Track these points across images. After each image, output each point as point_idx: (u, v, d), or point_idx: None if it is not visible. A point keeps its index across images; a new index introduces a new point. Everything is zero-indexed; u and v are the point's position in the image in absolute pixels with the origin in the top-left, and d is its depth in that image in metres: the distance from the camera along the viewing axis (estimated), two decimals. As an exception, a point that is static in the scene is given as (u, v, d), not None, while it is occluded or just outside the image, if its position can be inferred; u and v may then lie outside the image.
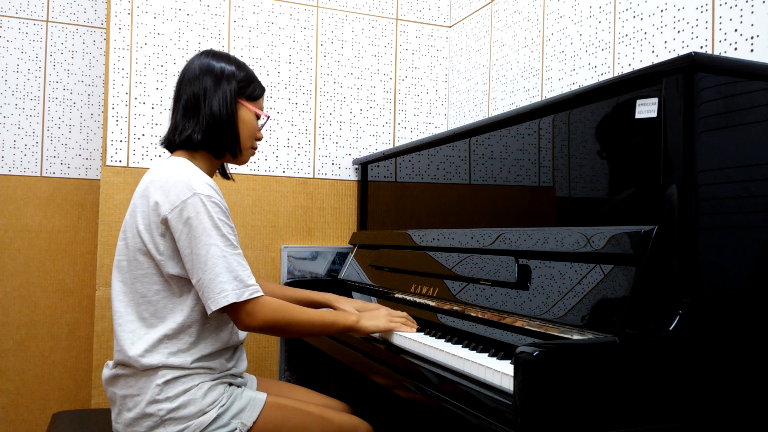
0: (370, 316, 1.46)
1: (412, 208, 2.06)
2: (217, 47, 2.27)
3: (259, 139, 1.50)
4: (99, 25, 2.74)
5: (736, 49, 1.40)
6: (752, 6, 1.37)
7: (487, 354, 1.19)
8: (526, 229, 1.38)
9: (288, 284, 2.23)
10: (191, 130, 1.39)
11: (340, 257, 2.38)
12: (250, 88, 1.45)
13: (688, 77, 1.04)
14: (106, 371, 1.37)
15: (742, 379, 1.03)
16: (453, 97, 2.57)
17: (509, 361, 1.11)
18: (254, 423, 1.33)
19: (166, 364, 1.29)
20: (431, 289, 1.63)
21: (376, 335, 1.50)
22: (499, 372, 1.04)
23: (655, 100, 1.09)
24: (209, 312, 1.27)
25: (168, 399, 1.28)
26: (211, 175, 1.45)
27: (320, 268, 2.36)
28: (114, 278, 1.37)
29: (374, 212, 2.34)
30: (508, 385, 1.00)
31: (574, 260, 1.20)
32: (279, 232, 2.34)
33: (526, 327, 1.22)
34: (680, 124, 1.05)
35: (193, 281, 1.29)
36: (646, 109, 1.11)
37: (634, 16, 1.69)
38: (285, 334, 1.48)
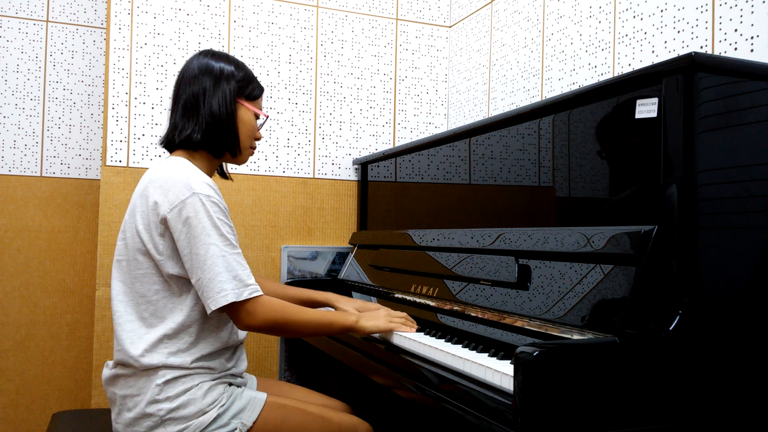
0: (370, 316, 1.46)
1: (412, 208, 2.06)
2: (217, 47, 2.27)
3: (258, 138, 1.50)
4: (99, 25, 2.74)
5: (736, 49, 1.40)
6: (752, 6, 1.37)
7: (487, 354, 1.19)
8: (526, 229, 1.38)
9: (288, 284, 2.23)
10: (191, 130, 1.39)
11: (340, 257, 2.38)
12: (249, 87, 1.46)
13: (688, 77, 1.04)
14: (106, 371, 1.37)
15: (742, 379, 1.03)
16: (453, 97, 2.57)
17: (509, 361, 1.11)
18: (254, 423, 1.33)
19: (166, 364, 1.29)
20: (431, 289, 1.63)
21: (376, 335, 1.50)
22: (499, 372, 1.04)
23: (655, 100, 1.09)
24: (209, 311, 1.27)
25: (168, 399, 1.28)
26: (210, 174, 1.45)
27: (320, 268, 2.36)
28: (113, 278, 1.37)
29: (374, 212, 2.34)
30: (508, 385, 1.00)
31: (574, 260, 1.20)
32: (279, 232, 2.34)
33: (526, 327, 1.22)
34: (680, 124, 1.05)
35: (193, 281, 1.29)
36: (646, 109, 1.11)
37: (634, 16, 1.69)
38: (284, 333, 1.48)
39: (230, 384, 1.38)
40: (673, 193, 1.05)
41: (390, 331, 1.45)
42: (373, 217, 2.34)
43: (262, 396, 1.37)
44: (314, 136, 2.42)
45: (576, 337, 1.09)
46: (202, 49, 1.79)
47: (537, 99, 2.06)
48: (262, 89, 1.49)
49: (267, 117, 1.52)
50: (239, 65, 1.46)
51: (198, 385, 1.30)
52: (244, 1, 2.32)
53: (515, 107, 2.02)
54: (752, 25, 1.37)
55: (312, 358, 2.36)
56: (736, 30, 1.41)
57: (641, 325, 1.01)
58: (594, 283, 1.13)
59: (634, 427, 0.94)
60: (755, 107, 1.09)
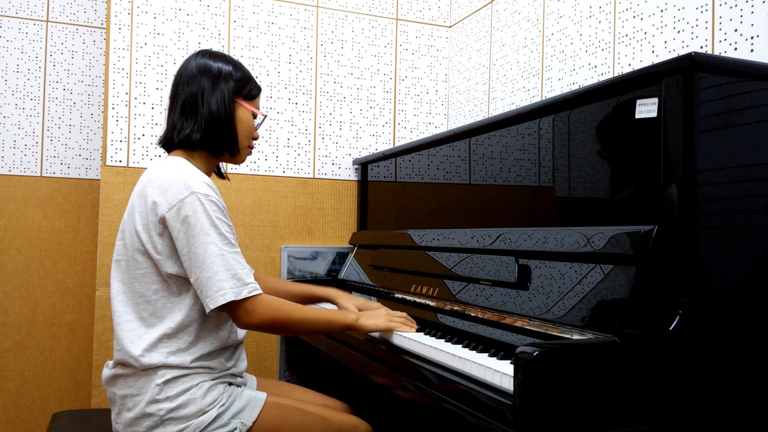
0: (370, 315, 1.46)
1: (412, 208, 2.06)
2: (217, 47, 2.27)
3: (256, 138, 1.50)
4: (99, 25, 2.74)
5: (736, 49, 1.40)
6: (752, 6, 1.37)
7: (487, 354, 1.19)
8: (526, 229, 1.38)
9: (288, 284, 2.23)
10: (190, 130, 1.39)
11: (340, 257, 2.38)
12: (247, 87, 1.46)
13: (688, 77, 1.04)
14: (106, 371, 1.37)
15: (742, 379, 1.03)
16: (453, 97, 2.57)
17: (509, 361, 1.11)
18: (254, 423, 1.33)
19: (166, 364, 1.29)
20: (431, 289, 1.63)
21: (376, 335, 1.50)
22: (499, 372, 1.04)
23: (655, 100, 1.09)
24: (208, 310, 1.27)
25: (168, 399, 1.28)
26: (208, 174, 1.45)
27: (320, 268, 2.36)
28: (113, 278, 1.37)
29: (374, 212, 2.34)
30: (508, 385, 1.00)
31: (574, 260, 1.20)
32: (279, 232, 2.34)
33: (526, 327, 1.22)
34: (680, 124, 1.04)
35: (192, 280, 1.29)
36: (646, 109, 1.11)
37: (634, 16, 1.69)
38: (284, 332, 1.48)
39: (230, 384, 1.38)
40: (673, 193, 1.05)
41: (390, 331, 1.45)
42: (373, 217, 2.34)
43: (262, 396, 1.37)
44: (314, 136, 2.42)
45: (576, 337, 1.09)
46: (199, 49, 1.79)
47: (537, 99, 2.06)
48: (259, 89, 1.50)
49: (265, 116, 1.52)
50: (237, 65, 1.46)
51: (198, 384, 1.30)
52: (244, 1, 2.32)
53: (515, 107, 2.02)
54: (752, 25, 1.37)
55: (312, 358, 2.36)
56: (736, 30, 1.41)
57: (641, 325, 1.01)
58: (594, 283, 1.13)
59: (634, 427, 0.94)
60: (755, 107, 1.09)
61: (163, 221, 1.29)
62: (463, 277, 1.53)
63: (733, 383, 1.02)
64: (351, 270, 2.18)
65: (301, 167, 2.39)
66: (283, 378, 2.32)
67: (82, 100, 2.72)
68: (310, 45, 2.42)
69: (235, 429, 1.31)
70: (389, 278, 1.90)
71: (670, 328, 0.98)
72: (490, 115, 2.31)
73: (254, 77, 1.51)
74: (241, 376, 1.46)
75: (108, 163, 2.13)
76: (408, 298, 1.71)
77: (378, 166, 2.30)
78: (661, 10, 1.61)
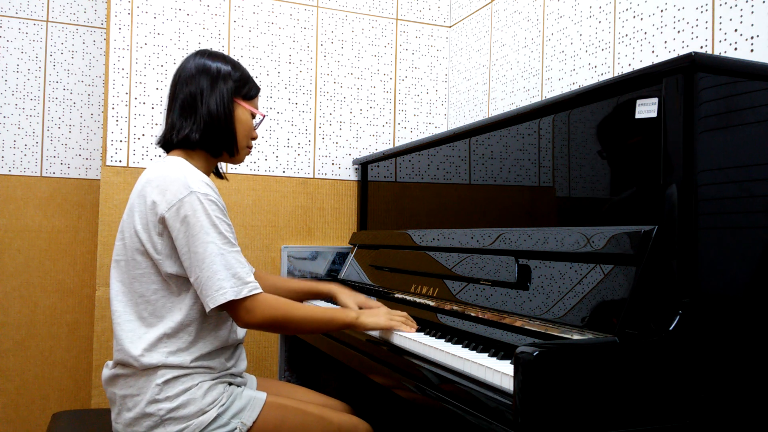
0: (370, 313, 1.46)
1: (412, 208, 2.06)
2: (217, 47, 2.27)
3: (255, 138, 1.50)
4: (99, 25, 2.74)
5: (736, 49, 1.40)
6: (752, 6, 1.37)
7: (487, 354, 1.19)
8: (526, 229, 1.38)
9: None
10: (189, 130, 1.39)
11: (340, 257, 2.38)
12: (246, 87, 1.46)
13: (688, 77, 1.04)
14: (106, 371, 1.37)
15: (742, 379, 1.03)
16: (453, 97, 2.57)
17: (509, 361, 1.11)
18: (254, 423, 1.33)
19: (166, 364, 1.29)
20: (431, 289, 1.63)
21: (376, 335, 1.50)
22: (499, 372, 1.04)
23: (655, 100, 1.09)
24: (207, 310, 1.27)
25: (168, 399, 1.28)
26: (207, 174, 1.45)
27: (320, 268, 2.36)
28: (112, 278, 1.37)
29: (374, 212, 2.34)
30: (508, 385, 1.00)
31: (574, 260, 1.20)
32: (279, 232, 2.34)
33: (526, 327, 1.22)
34: (680, 124, 1.04)
35: (192, 279, 1.29)
36: (646, 109, 1.11)
37: (634, 16, 1.69)
38: (284, 330, 1.48)
39: (230, 384, 1.38)
40: (673, 193, 1.05)
41: (390, 330, 1.45)
42: (373, 217, 2.34)
43: (262, 396, 1.37)
44: (314, 136, 2.42)
45: (576, 337, 1.09)
46: (198, 49, 1.79)
47: (537, 99, 2.06)
48: (258, 89, 1.50)
49: (264, 116, 1.53)
50: (235, 65, 1.46)
51: (198, 384, 1.30)
52: (244, 1, 2.32)
53: (515, 107, 2.02)
54: (752, 25, 1.37)
55: (312, 358, 2.36)
56: (736, 30, 1.41)
57: (641, 325, 1.01)
58: (594, 283, 1.13)
59: (634, 427, 0.94)
60: (755, 107, 1.09)
61: (162, 221, 1.29)
62: (463, 277, 1.53)
63: (733, 383, 1.02)
64: (351, 270, 2.18)
65: (301, 167, 2.39)
66: (283, 378, 2.32)
67: (82, 100, 2.72)
68: (310, 45, 2.41)
69: (235, 429, 1.31)
70: (389, 278, 1.90)
71: (670, 328, 0.98)
72: (490, 115, 2.31)
73: (253, 77, 1.51)
74: (241, 376, 1.46)
75: (108, 163, 2.13)
76: (408, 298, 1.71)
77: (378, 166, 2.30)
78: (661, 10, 1.61)
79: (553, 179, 1.40)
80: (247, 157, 2.28)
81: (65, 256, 2.70)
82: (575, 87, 1.90)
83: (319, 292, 1.74)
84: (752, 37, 1.37)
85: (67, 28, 2.70)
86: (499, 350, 1.20)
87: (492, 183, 1.63)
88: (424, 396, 1.19)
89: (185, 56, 1.48)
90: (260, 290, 1.31)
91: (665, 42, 1.59)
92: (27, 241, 2.65)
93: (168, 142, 1.42)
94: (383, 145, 2.52)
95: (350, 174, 2.47)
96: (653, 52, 1.63)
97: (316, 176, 2.41)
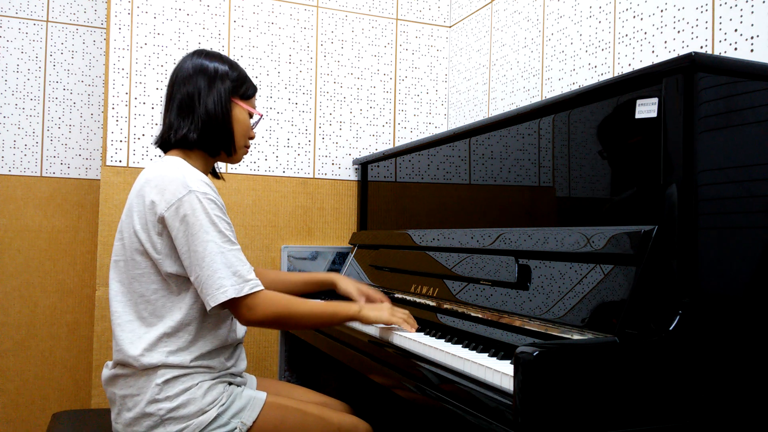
0: (373, 307, 1.46)
1: (412, 208, 2.06)
2: (217, 47, 2.27)
3: (252, 137, 1.50)
4: (99, 25, 2.74)
5: (736, 49, 1.40)
6: (752, 6, 1.37)
7: (487, 354, 1.19)
8: (526, 229, 1.38)
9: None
10: (187, 129, 1.39)
11: (340, 257, 2.38)
12: (243, 87, 1.46)
13: (688, 77, 1.04)
14: (106, 371, 1.37)
15: (742, 379, 1.03)
16: (453, 97, 2.57)
17: (509, 361, 1.11)
18: (254, 422, 1.33)
19: (166, 363, 1.29)
20: (431, 289, 1.63)
21: (376, 334, 1.50)
22: (499, 372, 1.04)
23: (655, 100, 1.09)
24: (208, 308, 1.27)
25: (168, 398, 1.28)
26: (205, 174, 1.45)
27: (320, 268, 2.36)
28: (111, 278, 1.37)
29: (374, 212, 2.34)
30: (508, 385, 1.00)
31: (574, 260, 1.20)
32: (279, 232, 2.34)
33: (526, 327, 1.22)
34: (680, 124, 1.04)
35: (192, 278, 1.29)
36: (646, 109, 1.11)
37: (634, 16, 1.69)
38: (287, 326, 1.48)
39: (230, 383, 1.38)
40: (673, 193, 1.05)
41: (390, 329, 1.45)
42: (373, 217, 2.34)
43: (262, 395, 1.37)
44: (314, 136, 2.42)
45: (576, 337, 1.09)
46: (195, 49, 1.79)
47: (537, 99, 2.06)
48: (255, 88, 1.50)
49: (261, 116, 1.53)
50: (233, 65, 1.46)
51: (198, 384, 1.30)
52: (244, 1, 2.32)
53: (515, 107, 2.02)
54: (752, 25, 1.37)
55: (312, 358, 2.36)
56: (736, 30, 1.41)
57: (641, 325, 1.01)
58: (594, 283, 1.13)
59: (634, 427, 0.94)
60: (755, 107, 1.09)
61: (162, 220, 1.29)
62: (463, 277, 1.53)
63: (733, 383, 1.02)
64: (351, 270, 2.18)
65: (301, 167, 2.39)
66: (283, 378, 2.32)
67: (82, 100, 2.72)
68: (310, 45, 2.41)
69: (235, 429, 1.31)
70: (389, 278, 1.90)
71: (670, 328, 0.98)
72: (490, 115, 2.31)
73: (253, 77, 1.52)
74: (241, 376, 1.46)
75: (108, 163, 2.13)
76: (408, 298, 1.71)
77: (378, 166, 2.30)
78: (661, 10, 1.61)
79: (553, 179, 1.40)
80: (245, 156, 2.28)
81: (65, 256, 2.70)
82: (575, 87, 1.90)
83: (319, 281, 1.76)
84: (752, 37, 1.37)
85: (67, 28, 2.70)
86: (499, 350, 1.20)
87: (492, 183, 1.63)
88: (424, 396, 1.19)
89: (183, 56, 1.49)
90: (261, 287, 1.31)
91: (665, 42, 1.59)
92: (27, 241, 2.65)
93: (166, 142, 1.42)
94: (383, 145, 2.52)
95: (350, 174, 2.47)
96: (653, 52, 1.63)
97: (316, 176, 2.41)
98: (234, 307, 1.29)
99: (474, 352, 1.22)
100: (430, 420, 1.87)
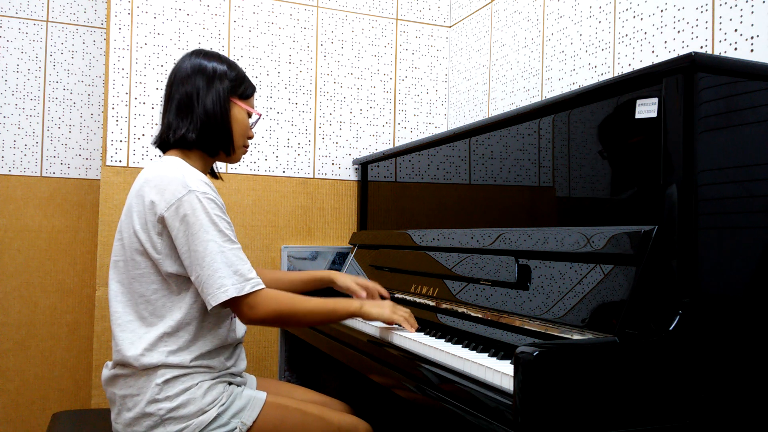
0: (375, 304, 1.46)
1: (412, 208, 2.06)
2: (217, 47, 2.27)
3: (251, 137, 1.50)
4: (99, 25, 2.74)
5: (736, 49, 1.40)
6: (752, 6, 1.37)
7: (487, 354, 1.19)
8: (526, 229, 1.38)
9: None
10: (185, 129, 1.39)
11: (340, 257, 2.38)
12: (242, 86, 1.46)
13: (688, 77, 1.04)
14: (106, 372, 1.37)
15: (743, 379, 1.03)
16: (453, 97, 2.57)
17: (509, 361, 1.11)
18: (254, 422, 1.33)
19: (166, 363, 1.29)
20: (431, 289, 1.63)
21: (376, 335, 1.50)
22: (499, 372, 1.04)
23: (655, 100, 1.09)
24: (209, 308, 1.27)
25: (168, 398, 1.28)
26: (204, 173, 1.45)
27: (320, 268, 2.36)
28: (111, 279, 1.37)
29: (374, 212, 2.34)
30: (508, 385, 1.00)
31: (574, 260, 1.20)
32: (279, 232, 2.34)
33: (526, 327, 1.22)
34: (680, 124, 1.04)
35: (192, 278, 1.29)
36: (646, 109, 1.11)
37: (634, 16, 1.69)
38: (288, 324, 1.48)
39: (230, 383, 1.38)
40: (673, 193, 1.05)
41: (390, 328, 1.45)
42: (373, 217, 2.34)
43: (262, 395, 1.37)
44: (314, 136, 2.42)
45: (576, 337, 1.09)
46: (193, 49, 1.79)
47: (537, 99, 2.06)
48: (253, 88, 1.50)
49: (260, 115, 1.53)
50: (231, 64, 1.46)
51: (198, 384, 1.30)
52: (244, 1, 2.32)
53: (515, 107, 2.02)
54: (752, 25, 1.37)
55: (312, 358, 2.36)
56: (736, 30, 1.41)
57: (641, 325, 1.01)
58: (594, 283, 1.13)
59: (634, 427, 0.94)
60: (755, 107, 1.09)
61: (162, 220, 1.29)
62: (463, 277, 1.53)
63: (733, 383, 1.02)
64: (351, 270, 2.18)
65: (301, 167, 2.39)
66: (283, 378, 2.32)
67: (82, 100, 2.72)
68: (310, 45, 2.41)
69: (235, 428, 1.31)
70: (389, 278, 1.90)
71: (670, 328, 0.98)
72: (490, 115, 2.31)
73: (253, 77, 1.52)
74: (241, 376, 1.46)
75: (108, 163, 2.13)
76: (408, 298, 1.71)
77: (378, 166, 2.30)
78: (661, 10, 1.61)
79: (553, 179, 1.40)
80: (245, 156, 2.29)
81: (65, 256, 2.70)
82: (575, 87, 1.90)
83: (317, 278, 1.76)
84: (752, 37, 1.37)
85: (67, 28, 2.70)
86: (499, 350, 1.20)
87: (492, 183, 1.63)
88: (424, 396, 1.19)
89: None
90: (262, 286, 1.31)
91: (665, 42, 1.59)
92: (27, 241, 2.65)
93: (164, 142, 1.42)
94: (383, 145, 2.52)
95: (350, 174, 2.47)
96: (653, 52, 1.63)
97: (316, 176, 2.41)
98: (235, 306, 1.29)
99: (474, 352, 1.22)
100: (430, 420, 1.87)
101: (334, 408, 1.52)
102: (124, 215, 1.37)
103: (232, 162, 1.51)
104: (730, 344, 1.03)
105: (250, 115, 1.48)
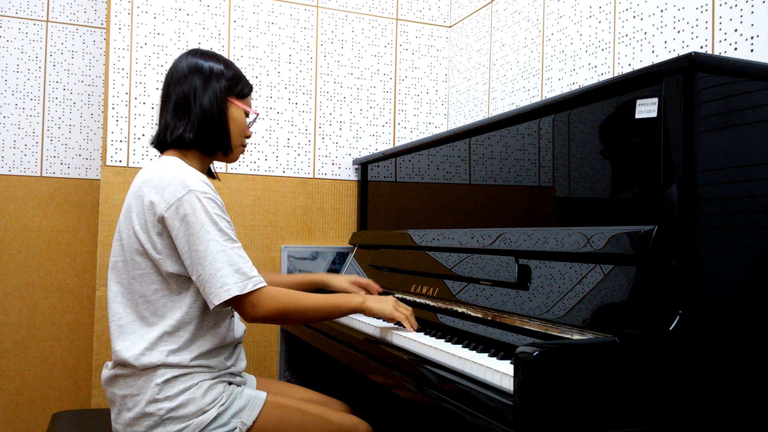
0: (377, 299, 1.46)
1: (412, 208, 2.06)
2: (217, 47, 2.27)
3: (249, 136, 1.50)
4: (99, 25, 2.74)
5: (736, 49, 1.40)
6: (752, 6, 1.37)
7: (487, 354, 1.19)
8: (526, 229, 1.38)
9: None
10: (183, 129, 1.39)
11: (340, 257, 2.38)
12: (239, 86, 1.46)
13: (688, 77, 1.04)
14: (105, 372, 1.37)
15: (742, 379, 1.03)
16: (453, 97, 2.57)
17: (509, 361, 1.11)
18: (254, 422, 1.33)
19: (166, 363, 1.29)
20: (431, 289, 1.63)
21: (376, 334, 1.50)
22: (499, 372, 1.04)
23: (655, 100, 1.09)
24: (211, 307, 1.27)
25: (168, 398, 1.27)
26: (202, 173, 1.45)
27: (320, 268, 2.36)
28: (110, 279, 1.36)
29: (374, 212, 2.34)
30: (508, 385, 1.00)
31: (574, 260, 1.20)
32: (279, 232, 2.34)
33: (526, 327, 1.22)
34: (680, 124, 1.05)
35: (194, 278, 1.28)
36: (646, 109, 1.11)
37: (634, 16, 1.69)
38: (291, 321, 1.49)
39: (230, 383, 1.38)
40: (673, 193, 1.05)
41: (393, 320, 1.45)
42: (373, 217, 2.34)
43: (262, 395, 1.37)
44: (314, 136, 2.42)
45: (576, 337, 1.09)
46: (189, 48, 1.79)
47: (537, 99, 2.06)
48: (251, 87, 1.50)
49: (257, 115, 1.53)
50: (228, 64, 1.46)
51: (197, 384, 1.30)
52: (244, 1, 2.32)
53: (515, 107, 2.02)
54: (752, 25, 1.37)
55: (312, 357, 2.36)
56: (736, 30, 1.41)
57: (641, 325, 1.01)
58: (594, 283, 1.13)
59: (634, 427, 0.94)
60: (755, 107, 1.09)
61: (161, 221, 1.29)
62: (463, 277, 1.53)
63: (733, 383, 1.02)
64: (351, 270, 2.18)
65: (301, 167, 2.39)
66: (283, 378, 2.32)
67: (82, 100, 2.72)
68: (310, 45, 2.42)
69: (235, 428, 1.31)
70: (389, 278, 1.90)
71: (670, 328, 0.98)
72: (490, 115, 2.31)
73: (253, 77, 1.52)
74: (241, 376, 1.46)
75: (108, 163, 2.13)
76: (408, 298, 1.71)
77: (378, 166, 2.30)
78: (661, 10, 1.61)
79: (553, 179, 1.40)
80: (245, 156, 2.29)
81: (65, 256, 2.70)
82: (575, 87, 1.90)
83: (310, 281, 1.79)
84: (752, 37, 1.37)
85: (67, 28, 2.70)
86: (499, 350, 1.20)
87: (492, 183, 1.63)
88: (424, 396, 1.19)
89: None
90: (264, 284, 1.31)
91: (665, 42, 1.59)
92: (27, 241, 2.65)
93: (162, 143, 1.42)
94: (383, 145, 2.52)
95: (350, 174, 2.47)
96: (653, 52, 1.63)
97: (316, 176, 2.41)
98: (238, 304, 1.29)
99: (474, 352, 1.22)
100: (430, 420, 1.87)
101: (334, 408, 1.52)
102: (123, 216, 1.37)
103: (229, 161, 1.51)
104: (730, 344, 1.03)
105: (247, 115, 1.48)
